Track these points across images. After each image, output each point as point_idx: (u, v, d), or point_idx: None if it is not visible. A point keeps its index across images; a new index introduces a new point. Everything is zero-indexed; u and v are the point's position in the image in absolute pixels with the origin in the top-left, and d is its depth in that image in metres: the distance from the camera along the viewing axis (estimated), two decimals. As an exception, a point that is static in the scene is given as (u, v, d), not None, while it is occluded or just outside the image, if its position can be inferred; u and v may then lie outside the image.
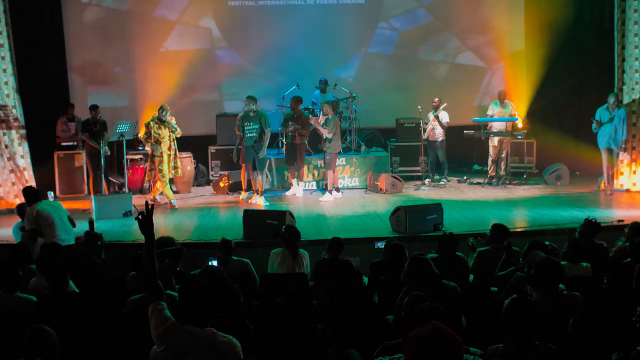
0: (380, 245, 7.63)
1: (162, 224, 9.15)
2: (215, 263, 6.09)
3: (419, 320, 3.28)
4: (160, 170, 10.32)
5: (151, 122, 10.35)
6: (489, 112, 12.14)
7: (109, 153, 10.78)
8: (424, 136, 11.85)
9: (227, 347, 3.42)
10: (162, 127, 10.30)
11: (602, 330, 3.43)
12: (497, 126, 11.82)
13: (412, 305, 3.56)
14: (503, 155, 11.81)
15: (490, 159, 11.99)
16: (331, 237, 6.65)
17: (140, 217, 3.67)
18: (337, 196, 10.93)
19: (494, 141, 11.82)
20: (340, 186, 11.52)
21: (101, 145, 10.44)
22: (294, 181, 11.35)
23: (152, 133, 10.29)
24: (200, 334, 3.42)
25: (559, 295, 4.51)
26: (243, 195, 10.94)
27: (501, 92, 12.19)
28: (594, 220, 6.53)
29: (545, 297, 4.39)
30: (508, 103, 12.09)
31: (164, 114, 10.33)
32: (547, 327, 3.68)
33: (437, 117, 11.73)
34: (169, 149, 10.38)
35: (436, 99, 11.91)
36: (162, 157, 10.30)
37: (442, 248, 6.21)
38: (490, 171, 12.02)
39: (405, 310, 3.72)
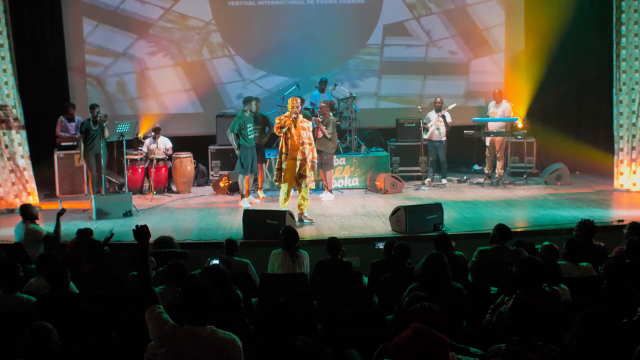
0: (381, 245, 7.61)
1: (163, 225, 9.13)
2: (216, 262, 6.08)
3: (410, 321, 3.28)
4: (280, 170, 9.07)
5: (282, 116, 9.18)
6: (488, 113, 12.24)
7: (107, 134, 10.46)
8: (427, 136, 11.85)
9: (228, 344, 3.46)
10: (296, 124, 9.01)
11: (604, 331, 3.43)
12: (492, 126, 11.87)
13: (412, 304, 3.56)
14: (499, 154, 11.83)
15: (486, 158, 12.13)
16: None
17: (137, 227, 3.75)
18: (331, 197, 10.89)
19: (487, 141, 11.97)
20: (340, 186, 11.54)
21: (101, 145, 10.43)
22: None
23: (283, 128, 8.97)
24: (201, 333, 3.46)
25: (539, 293, 4.50)
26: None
27: (495, 93, 12.21)
28: (588, 221, 6.53)
29: (526, 295, 4.37)
30: (503, 103, 12.10)
31: (300, 109, 9.01)
32: (546, 327, 3.68)
33: (443, 117, 11.71)
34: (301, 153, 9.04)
35: (438, 99, 11.93)
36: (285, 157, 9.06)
37: (437, 249, 6.20)
38: (486, 169, 12.10)
39: (405, 309, 3.73)
